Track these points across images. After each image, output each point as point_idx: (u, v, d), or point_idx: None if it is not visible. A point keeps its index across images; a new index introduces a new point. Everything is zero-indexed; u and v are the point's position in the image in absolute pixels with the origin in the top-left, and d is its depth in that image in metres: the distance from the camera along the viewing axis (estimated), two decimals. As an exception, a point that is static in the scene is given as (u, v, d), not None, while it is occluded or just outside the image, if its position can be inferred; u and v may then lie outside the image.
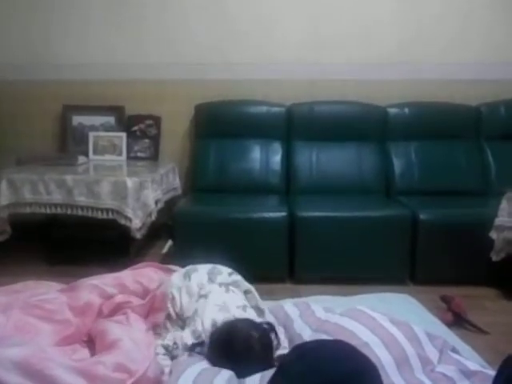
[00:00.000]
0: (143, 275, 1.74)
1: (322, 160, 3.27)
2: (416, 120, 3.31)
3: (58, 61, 3.49)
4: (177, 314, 1.54)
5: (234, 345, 1.27)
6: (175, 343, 1.38)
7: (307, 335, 1.43)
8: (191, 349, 1.37)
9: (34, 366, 1.13)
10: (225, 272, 1.61)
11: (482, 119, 3.31)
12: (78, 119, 3.50)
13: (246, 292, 1.59)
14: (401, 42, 3.39)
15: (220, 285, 1.54)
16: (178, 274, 1.65)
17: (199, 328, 1.39)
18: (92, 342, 1.45)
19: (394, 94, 3.30)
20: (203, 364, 1.29)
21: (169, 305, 1.56)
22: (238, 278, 1.62)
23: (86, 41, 3.49)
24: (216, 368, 1.25)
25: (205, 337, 1.37)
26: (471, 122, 3.32)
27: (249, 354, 1.26)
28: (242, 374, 1.22)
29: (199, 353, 1.37)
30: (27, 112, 3.51)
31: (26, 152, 3.30)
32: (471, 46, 3.39)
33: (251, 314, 1.45)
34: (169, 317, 1.56)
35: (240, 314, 1.41)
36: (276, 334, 1.38)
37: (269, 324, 1.40)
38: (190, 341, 1.38)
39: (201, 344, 1.37)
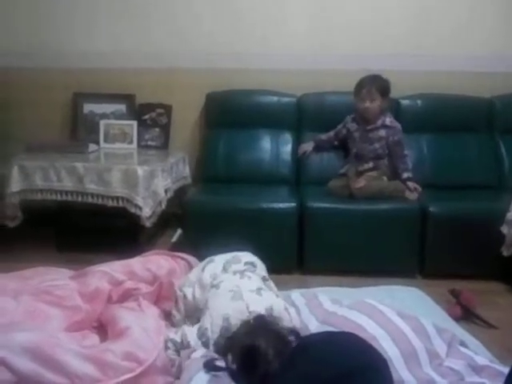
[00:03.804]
0: (152, 262, 1.75)
1: (332, 151, 3.25)
2: (428, 112, 3.27)
3: (70, 48, 3.49)
4: (189, 311, 1.53)
5: (253, 372, 1.14)
6: (182, 341, 1.34)
7: (314, 326, 1.43)
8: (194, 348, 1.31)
9: (44, 352, 1.14)
10: (243, 260, 1.58)
11: (496, 112, 3.27)
12: (88, 107, 3.50)
13: (264, 279, 1.56)
14: (413, 33, 3.34)
15: (234, 273, 1.50)
16: (195, 270, 1.64)
17: (206, 325, 1.35)
18: (102, 328, 1.46)
19: (406, 86, 3.26)
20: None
21: (180, 303, 1.56)
22: (256, 263, 1.58)
23: (97, 29, 3.48)
24: (226, 378, 1.18)
25: (211, 333, 1.32)
26: (484, 114, 3.28)
27: (268, 377, 1.12)
28: None
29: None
30: (38, 100, 3.52)
31: (36, 140, 3.31)
32: (485, 37, 3.33)
33: (266, 297, 1.38)
34: (180, 313, 1.56)
35: (254, 300, 1.34)
36: (298, 338, 1.27)
37: (294, 332, 1.26)
38: (192, 341, 1.33)
39: (205, 343, 1.32)
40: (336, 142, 3.22)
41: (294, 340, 1.21)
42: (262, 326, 1.24)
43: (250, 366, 1.14)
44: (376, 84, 2.95)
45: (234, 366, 1.18)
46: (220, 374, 1.19)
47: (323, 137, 3.23)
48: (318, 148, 3.24)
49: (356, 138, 3.06)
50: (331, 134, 3.21)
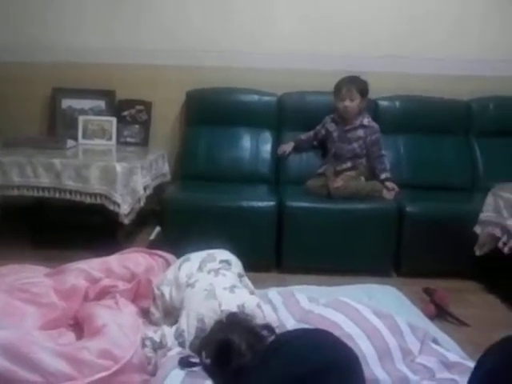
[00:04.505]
0: (130, 260, 1.75)
1: (311, 150, 3.27)
2: (406, 113, 3.32)
3: (49, 43, 3.44)
4: (167, 310, 1.54)
5: (228, 371, 1.16)
6: (161, 341, 1.35)
7: (290, 325, 1.44)
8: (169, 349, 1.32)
9: (18, 349, 1.13)
10: (218, 258, 1.59)
11: (472, 115, 3.33)
12: (67, 102, 3.46)
13: (240, 275, 1.58)
14: (393, 36, 3.38)
15: (209, 271, 1.51)
16: (171, 268, 1.64)
17: (183, 326, 1.36)
18: (78, 326, 1.46)
19: (384, 87, 3.30)
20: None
21: (158, 302, 1.56)
22: (231, 261, 1.60)
23: (80, 24, 3.43)
24: (202, 374, 1.20)
25: (187, 334, 1.34)
26: (461, 117, 3.33)
27: (244, 378, 1.13)
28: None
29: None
30: (16, 94, 3.46)
31: (13, 134, 3.26)
32: (463, 41, 3.39)
33: (238, 295, 1.40)
34: (158, 311, 1.56)
35: (226, 298, 1.36)
36: (274, 334, 1.30)
37: (268, 328, 1.30)
38: (170, 342, 1.34)
39: (181, 344, 1.33)
40: (315, 142, 3.25)
41: (268, 335, 1.24)
42: (234, 323, 1.26)
43: (224, 360, 1.16)
44: (355, 84, 2.99)
45: (208, 361, 1.20)
46: (195, 369, 1.20)
47: (303, 137, 3.25)
48: (298, 148, 3.26)
49: (335, 137, 3.09)
50: (310, 133, 3.23)
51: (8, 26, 3.45)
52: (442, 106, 3.33)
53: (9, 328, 1.23)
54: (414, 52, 3.40)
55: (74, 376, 1.14)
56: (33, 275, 1.61)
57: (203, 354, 1.22)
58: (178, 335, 1.35)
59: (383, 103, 3.32)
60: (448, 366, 1.33)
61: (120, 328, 1.33)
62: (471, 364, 1.30)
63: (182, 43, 3.43)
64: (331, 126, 3.12)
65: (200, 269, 1.55)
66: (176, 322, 1.43)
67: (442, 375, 1.29)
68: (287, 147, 3.24)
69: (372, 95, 3.12)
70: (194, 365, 1.21)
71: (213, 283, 1.43)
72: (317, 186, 2.96)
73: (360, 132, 3.03)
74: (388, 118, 3.27)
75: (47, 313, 1.44)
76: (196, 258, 1.61)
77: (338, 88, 3.02)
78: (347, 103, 2.98)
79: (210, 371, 1.20)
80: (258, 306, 1.38)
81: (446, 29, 3.39)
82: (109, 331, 1.29)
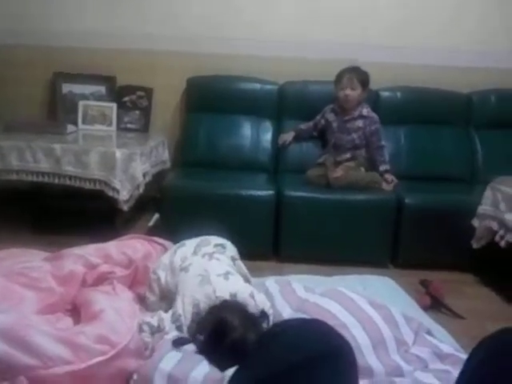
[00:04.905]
0: (128, 246, 1.75)
1: (311, 140, 3.27)
2: (407, 104, 3.31)
3: (51, 27, 3.42)
4: (163, 293, 1.55)
5: (223, 346, 1.20)
6: (159, 326, 1.37)
7: (287, 313, 1.46)
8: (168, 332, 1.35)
9: (16, 333, 1.14)
10: (213, 242, 1.61)
11: (472, 107, 3.32)
12: (67, 87, 3.45)
13: (233, 258, 1.60)
14: (395, 26, 3.37)
15: (203, 255, 1.53)
16: (167, 253, 1.65)
17: (179, 310, 1.38)
18: (76, 311, 1.47)
19: (385, 78, 3.29)
20: (187, 347, 1.27)
21: (154, 285, 1.57)
22: (225, 245, 1.62)
23: (82, 9, 3.41)
24: (198, 356, 1.23)
25: (184, 319, 1.36)
26: (461, 109, 3.33)
27: (239, 355, 1.15)
28: (225, 367, 1.18)
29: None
30: (16, 78, 3.45)
31: (13, 118, 3.25)
32: (465, 33, 3.37)
33: (232, 282, 1.42)
34: (154, 295, 1.57)
35: (220, 284, 1.38)
36: (268, 321, 1.36)
37: (261, 312, 1.35)
38: (167, 326, 1.36)
39: (179, 327, 1.35)
40: (315, 133, 3.24)
41: (261, 317, 1.29)
42: (228, 306, 1.31)
43: (219, 337, 1.20)
44: (357, 74, 2.99)
45: (201, 338, 1.25)
46: (190, 349, 1.23)
47: (303, 127, 3.25)
48: (298, 138, 3.26)
49: (334, 128, 3.09)
50: (310, 124, 3.23)
51: (10, 9, 3.43)
52: (443, 97, 3.32)
53: (6, 312, 1.24)
54: (416, 43, 3.38)
55: (72, 360, 1.15)
56: (31, 259, 1.62)
57: (199, 337, 1.26)
58: (175, 319, 1.37)
59: (384, 94, 3.31)
60: (441, 357, 1.34)
61: (117, 313, 1.34)
62: (464, 356, 1.31)
63: (184, 30, 3.41)
64: (330, 117, 3.12)
65: (195, 253, 1.56)
66: (171, 306, 1.45)
67: (435, 366, 1.30)
68: (287, 137, 3.24)
69: (373, 85, 3.12)
70: (187, 341, 1.26)
71: (207, 269, 1.45)
72: (316, 175, 2.96)
73: (359, 122, 3.03)
74: (389, 109, 3.27)
75: (45, 297, 1.44)
76: (191, 242, 1.63)
77: (339, 77, 3.02)
78: (348, 91, 2.97)
79: (205, 351, 1.22)
80: (251, 295, 1.40)
81: (448, 20, 3.37)
82: (106, 316, 1.30)
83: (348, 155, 3.02)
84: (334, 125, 3.09)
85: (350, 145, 3.03)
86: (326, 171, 2.93)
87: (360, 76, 2.99)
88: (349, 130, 3.03)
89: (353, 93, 2.98)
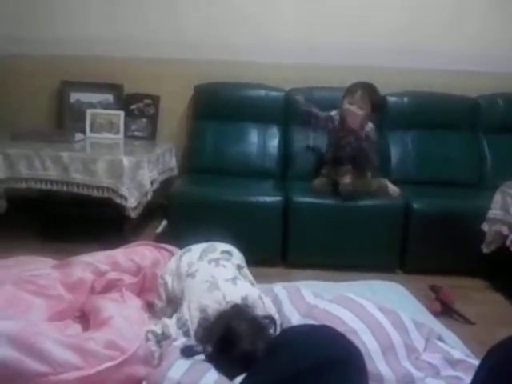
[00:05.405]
0: (137, 253, 1.75)
1: (318, 146, 3.27)
2: (415, 109, 3.30)
3: (57, 36, 3.44)
4: (170, 298, 1.55)
5: (232, 354, 1.19)
6: (163, 333, 1.36)
7: (295, 319, 1.45)
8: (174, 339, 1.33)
9: (26, 340, 1.14)
10: (219, 249, 1.60)
11: (480, 111, 3.31)
12: (75, 96, 3.47)
13: (239, 266, 1.59)
14: (402, 30, 3.36)
15: (210, 261, 1.52)
16: (174, 258, 1.65)
17: (186, 315, 1.37)
18: (84, 318, 1.47)
19: (393, 82, 3.28)
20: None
21: (161, 290, 1.57)
22: (232, 252, 1.61)
23: (87, 16, 3.44)
24: (207, 364, 1.21)
25: (191, 324, 1.35)
26: (469, 113, 3.32)
27: (248, 363, 1.16)
28: (234, 375, 1.17)
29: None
30: (24, 87, 3.48)
31: (22, 127, 3.28)
32: (472, 37, 3.37)
33: (241, 287, 1.42)
34: (162, 301, 1.57)
35: (229, 289, 1.38)
36: (275, 326, 1.34)
37: (269, 318, 1.33)
38: (173, 332, 1.35)
39: (186, 332, 1.34)
40: (323, 124, 3.02)
41: (270, 325, 1.27)
42: (237, 312, 1.29)
43: (227, 347, 1.18)
44: (371, 93, 2.77)
45: (210, 349, 1.22)
46: (199, 358, 1.21)
47: (320, 113, 2.97)
48: (308, 117, 3.00)
49: (331, 139, 3.00)
50: (324, 115, 2.96)
51: (17, 18, 3.46)
52: (451, 102, 3.32)
53: (15, 319, 1.24)
54: (423, 47, 3.38)
55: (81, 366, 1.15)
56: (40, 267, 1.63)
57: (208, 345, 1.24)
58: (182, 325, 1.36)
59: (392, 99, 3.30)
60: (452, 363, 1.33)
61: (126, 320, 1.34)
62: (476, 362, 1.30)
63: (191, 37, 3.43)
64: (334, 125, 2.96)
65: (200, 258, 1.55)
66: (176, 311, 1.44)
67: (446, 372, 1.29)
68: (305, 102, 3.00)
69: (381, 91, 3.09)
70: (196, 353, 1.23)
71: (214, 275, 1.44)
72: (323, 185, 2.92)
73: (351, 138, 2.85)
74: (396, 114, 3.27)
75: (54, 305, 1.45)
76: (197, 248, 1.62)
77: (351, 89, 2.79)
78: (354, 109, 2.74)
79: (214, 360, 1.21)
80: (260, 297, 1.40)
81: (455, 24, 3.37)
82: (115, 323, 1.30)
83: (350, 166, 2.86)
84: (332, 136, 2.99)
85: (349, 158, 2.87)
86: (332, 179, 2.88)
87: (374, 96, 2.78)
88: (344, 147, 2.89)
89: (359, 113, 2.74)
